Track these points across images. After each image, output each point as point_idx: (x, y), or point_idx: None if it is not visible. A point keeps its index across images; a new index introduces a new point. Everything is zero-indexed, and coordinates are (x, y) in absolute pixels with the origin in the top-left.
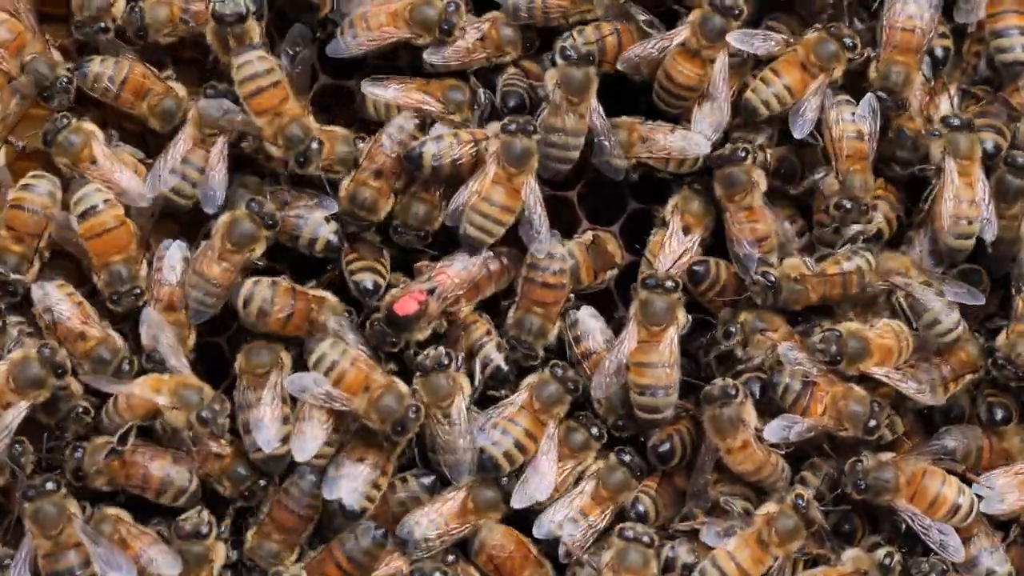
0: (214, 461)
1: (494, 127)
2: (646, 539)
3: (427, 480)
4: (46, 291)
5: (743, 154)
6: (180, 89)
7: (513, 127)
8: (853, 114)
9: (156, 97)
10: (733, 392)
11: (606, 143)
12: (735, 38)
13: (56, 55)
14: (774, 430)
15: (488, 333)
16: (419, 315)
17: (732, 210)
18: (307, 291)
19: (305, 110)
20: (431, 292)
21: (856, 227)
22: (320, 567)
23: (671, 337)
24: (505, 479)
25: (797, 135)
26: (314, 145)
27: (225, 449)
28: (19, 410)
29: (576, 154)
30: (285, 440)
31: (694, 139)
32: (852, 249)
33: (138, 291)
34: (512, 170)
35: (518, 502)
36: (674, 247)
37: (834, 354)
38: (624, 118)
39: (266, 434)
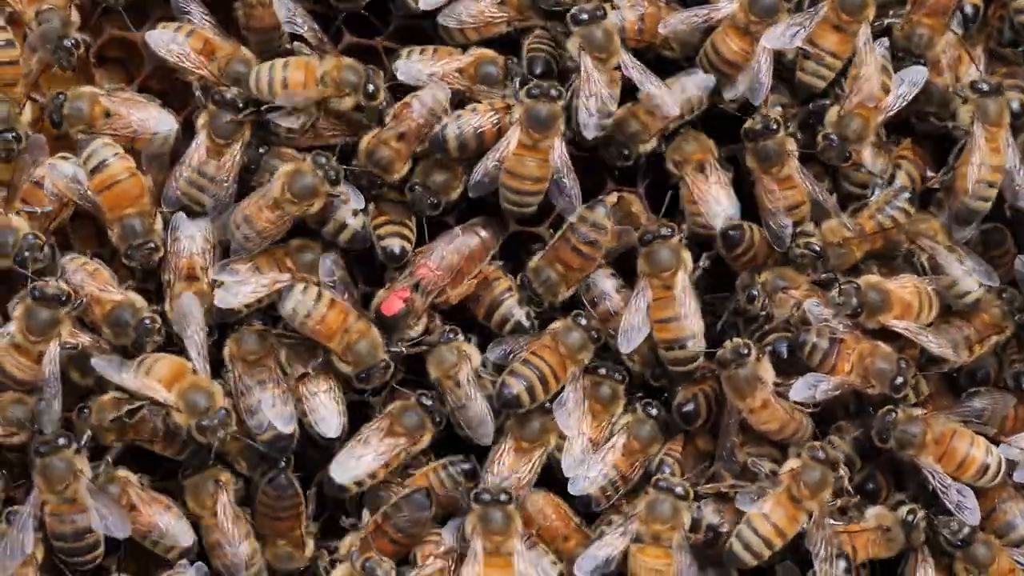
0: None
1: (518, 92)
2: (679, 490)
3: (467, 466)
4: (59, 266)
5: (775, 127)
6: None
7: (537, 91)
8: (885, 67)
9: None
10: (746, 351)
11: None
12: (770, 42)
13: (75, 15)
14: (799, 389)
15: (510, 289)
16: (406, 312)
17: (766, 181)
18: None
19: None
20: (415, 288)
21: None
22: (372, 543)
23: (682, 283)
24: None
25: None
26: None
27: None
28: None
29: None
30: (291, 420)
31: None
32: (885, 199)
33: (152, 245)
34: (537, 135)
35: (568, 471)
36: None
37: (855, 306)
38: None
39: (273, 414)
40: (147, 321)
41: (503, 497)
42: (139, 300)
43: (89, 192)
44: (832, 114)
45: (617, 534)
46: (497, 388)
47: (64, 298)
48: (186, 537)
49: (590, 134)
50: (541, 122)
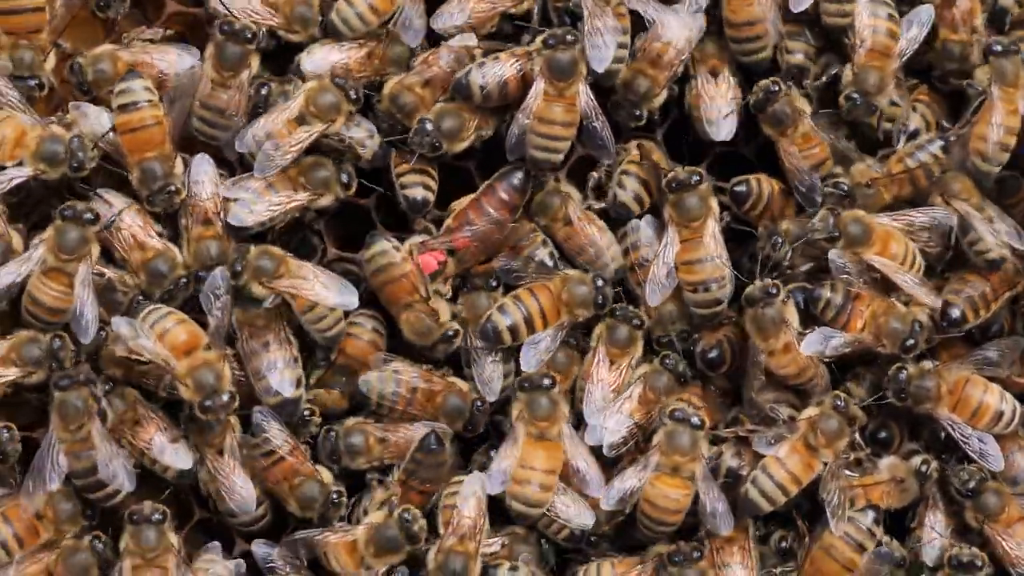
0: None
1: (535, 44)
2: (695, 420)
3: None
4: (110, 200)
5: (776, 88)
6: None
7: (554, 41)
8: (889, 15)
9: None
10: (774, 291)
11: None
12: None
13: None
14: (811, 343)
15: (534, 231)
16: (436, 274)
17: (785, 144)
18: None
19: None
20: (451, 253)
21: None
22: (404, 500)
23: (712, 229)
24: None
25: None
26: None
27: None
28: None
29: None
30: (298, 384)
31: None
32: (917, 145)
33: (173, 187)
34: (561, 84)
35: (589, 417)
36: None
37: (831, 230)
38: None
39: (279, 378)
40: (183, 280)
41: (546, 382)
42: (179, 256)
43: (111, 134)
44: (847, 73)
45: (639, 467)
46: (482, 321)
47: (92, 217)
48: (186, 461)
49: (601, 67)
50: (562, 70)
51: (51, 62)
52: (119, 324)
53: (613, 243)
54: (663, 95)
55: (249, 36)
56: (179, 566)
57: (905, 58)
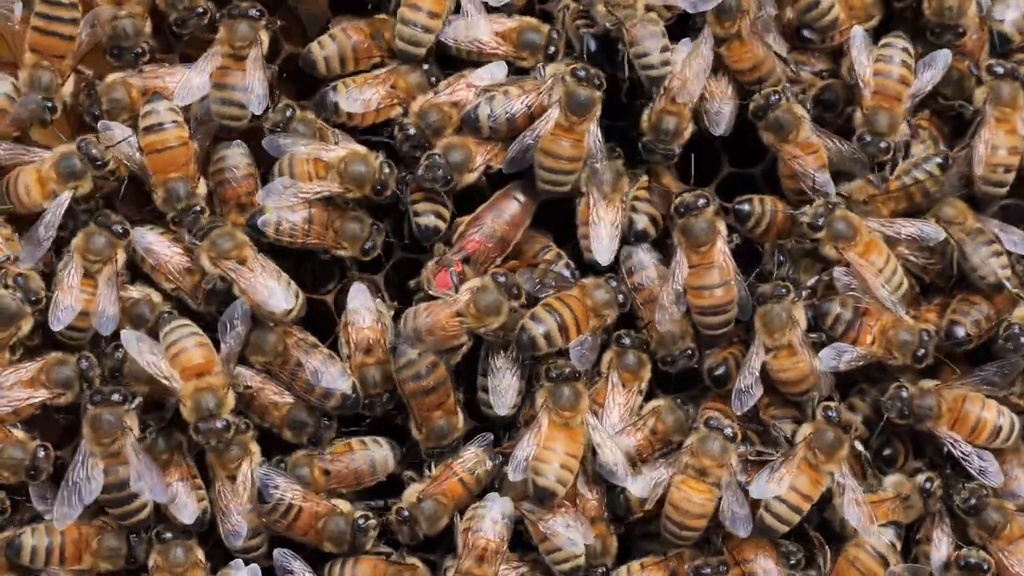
0: (272, 410)
1: (558, 68)
2: (728, 431)
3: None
4: (143, 235)
5: (776, 97)
6: None
7: (583, 74)
8: (903, 62)
9: None
10: (785, 290)
11: None
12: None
13: (148, 25)
14: (825, 358)
15: (548, 245)
16: (457, 287)
17: (788, 150)
18: None
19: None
20: (466, 261)
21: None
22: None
23: (721, 250)
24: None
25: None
26: None
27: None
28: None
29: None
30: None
31: None
32: (914, 163)
33: (198, 208)
34: (575, 118)
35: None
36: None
37: (817, 221)
38: None
39: (327, 379)
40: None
41: (569, 371)
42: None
43: (136, 154)
44: (857, 116)
45: (667, 464)
46: (517, 330)
47: (122, 231)
48: (189, 516)
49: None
50: (580, 105)
51: (68, 87)
52: (127, 338)
53: None
54: (691, 127)
55: (256, 14)
56: None
57: (918, 99)
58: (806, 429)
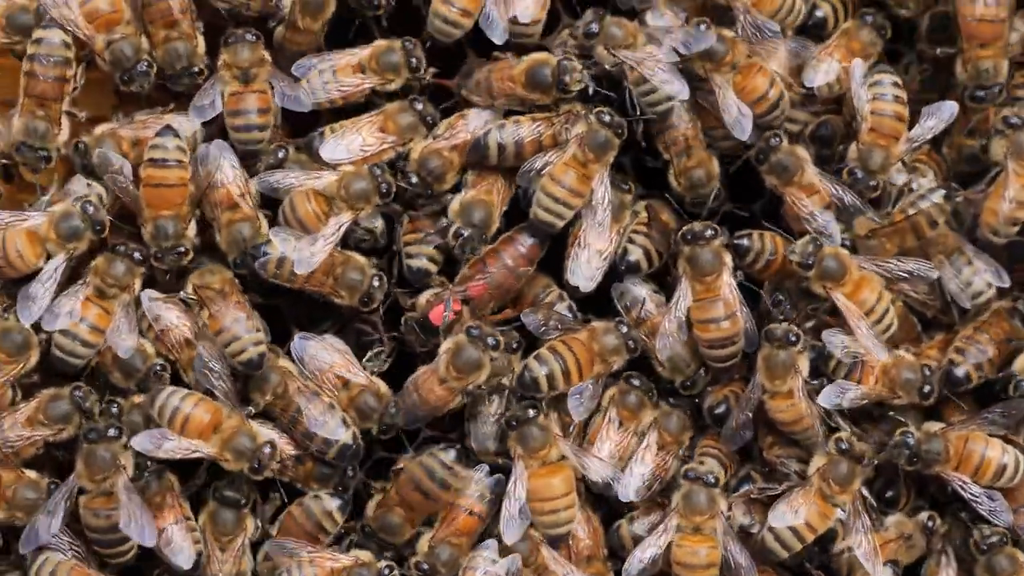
0: (296, 467)
1: (572, 106)
2: (710, 478)
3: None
4: (154, 300)
5: (777, 140)
6: None
7: (607, 119)
8: (896, 97)
9: None
10: (794, 339)
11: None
12: None
13: (144, 42)
14: (827, 396)
15: (549, 285)
16: (452, 324)
17: (792, 192)
18: None
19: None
20: (466, 302)
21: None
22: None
23: (727, 282)
24: None
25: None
26: None
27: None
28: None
29: None
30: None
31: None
32: (918, 195)
33: (182, 249)
34: (590, 157)
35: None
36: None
37: (807, 259)
38: None
39: (327, 430)
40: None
41: (531, 413)
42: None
43: (129, 186)
44: (852, 149)
45: (658, 534)
46: (519, 369)
47: (141, 257)
48: (187, 560)
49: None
50: (599, 146)
51: (63, 135)
52: (141, 443)
53: None
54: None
55: (253, 38)
56: None
57: (916, 145)
58: (819, 461)
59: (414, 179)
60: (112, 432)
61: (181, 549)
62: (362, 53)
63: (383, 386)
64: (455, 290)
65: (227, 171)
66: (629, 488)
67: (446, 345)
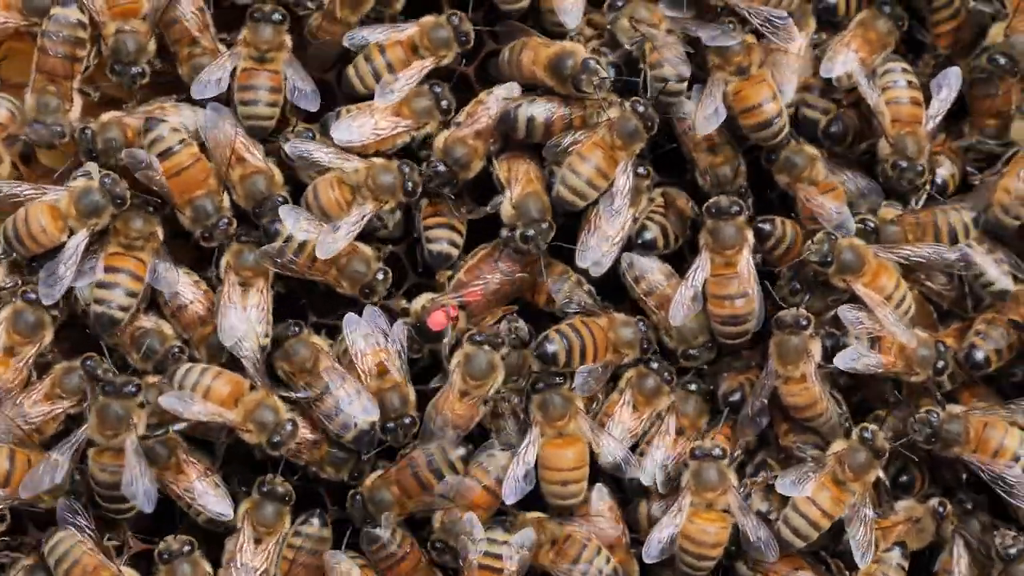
0: (311, 449)
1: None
2: (716, 452)
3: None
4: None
5: (787, 139)
6: None
7: (641, 109)
8: (909, 82)
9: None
10: (805, 323)
11: None
12: None
13: (152, 44)
14: (844, 358)
15: (565, 273)
16: (449, 330)
17: (803, 189)
18: None
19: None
20: (462, 308)
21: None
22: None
23: (746, 259)
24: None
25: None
26: None
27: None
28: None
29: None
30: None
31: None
32: (952, 207)
33: (226, 221)
34: (618, 143)
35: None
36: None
37: (824, 255)
38: None
39: (355, 408)
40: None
41: (558, 380)
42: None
43: (162, 178)
44: (883, 145)
45: (672, 514)
46: (538, 341)
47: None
48: (226, 508)
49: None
50: (627, 134)
51: (76, 111)
52: (168, 402)
53: None
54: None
55: (280, 18)
56: None
57: (939, 118)
58: (839, 444)
59: (440, 167)
60: (129, 388)
61: (217, 499)
62: (410, 29)
63: (412, 394)
64: (451, 295)
65: (228, 129)
66: (647, 473)
67: (455, 360)
